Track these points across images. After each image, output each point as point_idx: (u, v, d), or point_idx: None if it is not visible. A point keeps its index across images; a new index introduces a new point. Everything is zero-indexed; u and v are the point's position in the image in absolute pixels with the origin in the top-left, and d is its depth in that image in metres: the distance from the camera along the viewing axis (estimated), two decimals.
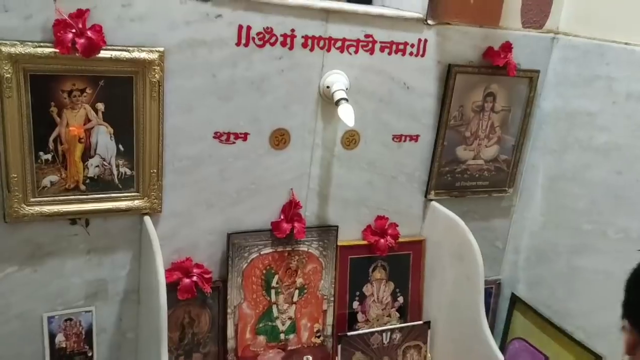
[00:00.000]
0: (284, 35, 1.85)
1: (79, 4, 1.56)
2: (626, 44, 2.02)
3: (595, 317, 2.15)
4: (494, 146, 2.33)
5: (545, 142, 2.35)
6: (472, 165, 2.31)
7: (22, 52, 1.51)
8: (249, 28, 1.80)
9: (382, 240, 2.23)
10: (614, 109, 2.05)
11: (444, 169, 2.26)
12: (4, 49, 1.48)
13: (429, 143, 2.22)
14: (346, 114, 1.84)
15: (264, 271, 2.07)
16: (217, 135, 1.88)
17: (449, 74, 2.12)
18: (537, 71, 2.29)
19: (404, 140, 2.18)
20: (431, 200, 2.30)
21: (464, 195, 2.36)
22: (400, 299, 2.35)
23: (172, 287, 1.85)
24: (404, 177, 2.23)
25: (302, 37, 1.88)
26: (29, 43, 1.52)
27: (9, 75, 1.51)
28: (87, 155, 1.70)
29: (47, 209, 1.68)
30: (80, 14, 1.56)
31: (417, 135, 2.19)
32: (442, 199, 2.30)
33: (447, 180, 2.29)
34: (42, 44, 1.54)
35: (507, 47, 2.18)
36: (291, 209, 2.05)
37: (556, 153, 2.30)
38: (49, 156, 1.65)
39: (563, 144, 2.26)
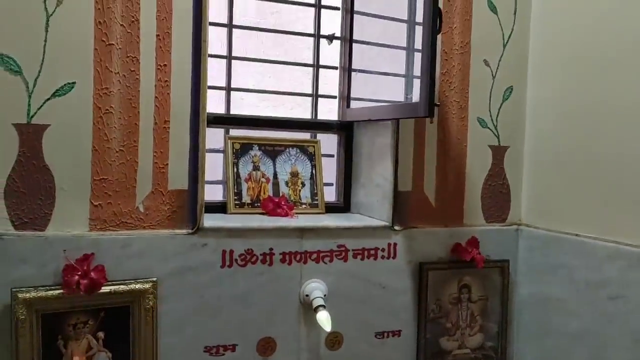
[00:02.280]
0: (264, 254, 2.12)
1: (85, 250, 1.88)
2: (577, 235, 2.20)
3: None
4: (478, 334, 2.43)
5: (527, 328, 2.44)
6: (458, 354, 2.40)
7: (36, 296, 1.80)
8: (231, 252, 2.08)
9: None
10: (578, 295, 2.18)
11: None
12: (20, 295, 1.78)
13: (412, 337, 2.35)
14: (323, 320, 2.03)
15: None
16: (207, 349, 2.07)
17: (421, 271, 2.32)
18: (507, 261, 2.47)
19: (387, 337, 2.32)
20: None
21: None
22: None
23: None
24: None
25: (280, 253, 2.14)
26: (41, 288, 1.82)
27: (23, 317, 1.78)
28: None
29: None
30: (86, 258, 1.87)
31: (399, 331, 2.33)
32: None
33: None
34: (52, 287, 1.83)
35: (473, 242, 2.39)
36: None
37: (538, 339, 2.37)
38: None
39: (543, 329, 2.35)
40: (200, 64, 2.01)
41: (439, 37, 2.27)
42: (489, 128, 2.47)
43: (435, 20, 1.98)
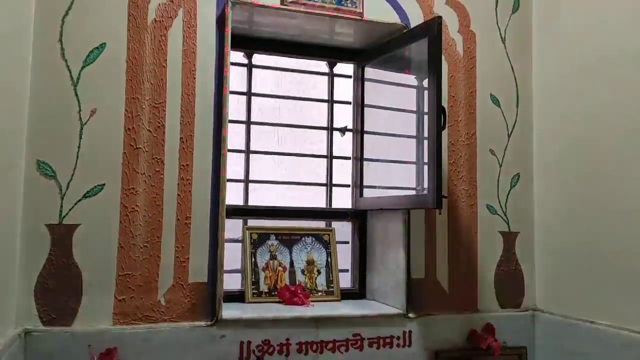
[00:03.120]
0: (280, 345, 2.16)
1: (109, 344, 1.95)
2: (592, 322, 2.21)
3: None
4: None
5: None
6: None
7: None
8: (249, 343, 2.13)
9: None
10: None
11: None
12: None
13: None
14: None
15: None
16: None
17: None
18: (524, 347, 2.47)
19: None
20: None
21: None
22: None
23: None
24: None
25: (297, 344, 2.18)
26: None
27: None
28: None
29: None
30: (109, 352, 1.94)
31: None
32: None
33: None
34: None
35: (489, 329, 2.41)
36: None
37: None
38: None
39: None
40: (220, 158, 2.15)
41: (446, 130, 2.39)
42: (498, 214, 2.54)
43: (439, 119, 2.11)
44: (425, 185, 2.16)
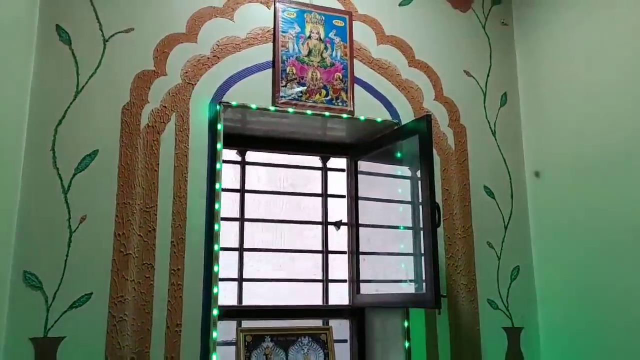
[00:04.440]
0: None
1: None
2: None
3: None
4: None
5: None
6: None
7: None
8: None
9: None
10: None
11: None
12: None
13: None
14: None
15: None
16: None
17: None
18: None
19: None
20: None
21: None
22: None
23: None
24: None
25: None
26: None
27: None
28: None
29: None
30: None
31: None
32: None
33: None
34: None
35: None
36: None
37: None
38: None
39: None
40: (212, 261, 2.11)
41: (442, 224, 2.36)
42: (500, 309, 2.46)
43: (434, 216, 2.09)
44: (424, 277, 2.10)
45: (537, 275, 2.53)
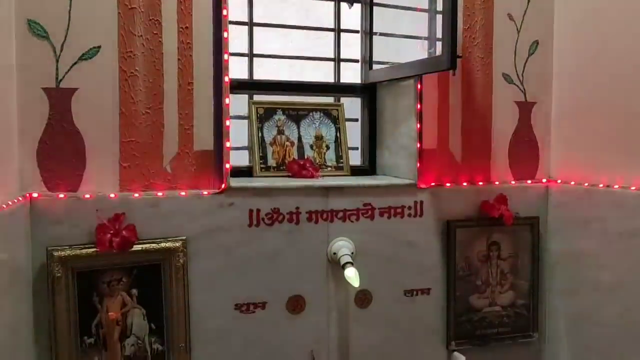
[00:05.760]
0: (290, 213, 2.14)
1: (116, 209, 1.92)
2: (608, 186, 2.16)
3: None
4: (509, 292, 2.40)
5: (559, 284, 2.40)
6: (489, 312, 2.38)
7: (71, 254, 1.86)
8: (258, 211, 2.10)
9: None
10: (611, 248, 2.13)
11: (460, 319, 2.34)
12: (55, 253, 1.83)
13: (442, 295, 2.34)
14: (352, 277, 2.03)
15: None
16: (238, 307, 2.10)
17: (448, 229, 2.31)
18: (537, 217, 2.43)
19: (416, 294, 2.31)
20: (453, 350, 2.34)
21: (487, 344, 2.39)
22: None
23: None
24: (421, 330, 2.32)
25: (307, 212, 2.16)
26: (76, 246, 1.87)
27: (59, 275, 1.84)
28: (123, 335, 1.96)
29: None
30: (117, 217, 1.92)
31: (429, 289, 2.32)
32: (464, 349, 2.34)
33: (467, 329, 2.35)
34: (86, 246, 1.88)
35: (501, 199, 2.36)
36: None
37: (571, 295, 2.34)
38: (92, 340, 1.91)
39: (576, 285, 2.31)
40: (220, 26, 2.03)
41: None
42: (514, 84, 2.43)
43: None
44: (441, 37, 2.03)
45: (556, 50, 2.45)
